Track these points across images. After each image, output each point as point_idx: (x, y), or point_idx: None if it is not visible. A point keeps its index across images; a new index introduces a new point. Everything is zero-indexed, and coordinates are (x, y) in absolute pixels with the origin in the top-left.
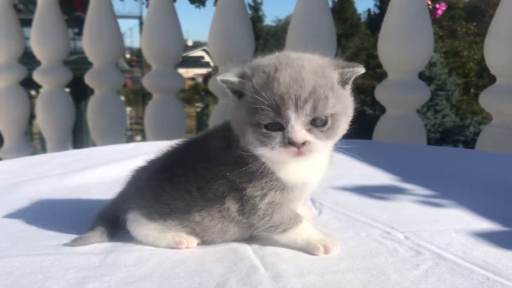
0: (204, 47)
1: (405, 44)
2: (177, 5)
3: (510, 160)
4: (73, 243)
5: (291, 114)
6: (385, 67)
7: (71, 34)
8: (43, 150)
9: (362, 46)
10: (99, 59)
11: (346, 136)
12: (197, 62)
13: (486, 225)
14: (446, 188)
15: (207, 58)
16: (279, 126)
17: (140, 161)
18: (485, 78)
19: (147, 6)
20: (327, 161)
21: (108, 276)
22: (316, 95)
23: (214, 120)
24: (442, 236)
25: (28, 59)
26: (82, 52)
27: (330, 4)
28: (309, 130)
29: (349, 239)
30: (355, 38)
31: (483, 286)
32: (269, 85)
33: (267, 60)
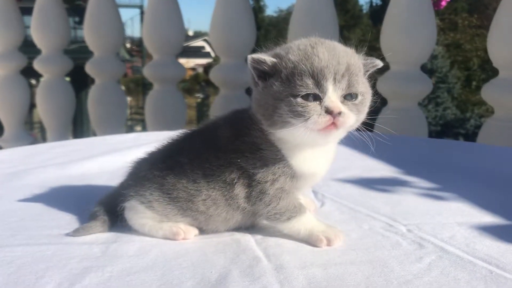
0: (205, 37)
1: (408, 36)
2: None
3: (511, 153)
4: (75, 233)
5: (330, 86)
6: (388, 59)
7: (72, 23)
8: (44, 139)
9: (364, 37)
10: (100, 48)
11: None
12: (198, 52)
13: (489, 218)
14: (448, 181)
15: (208, 49)
16: (315, 97)
17: (140, 151)
18: (487, 71)
19: None
20: (333, 154)
21: (110, 266)
22: (350, 71)
23: (215, 110)
24: (445, 229)
25: (28, 48)
26: (83, 41)
27: None
28: (342, 103)
29: (352, 231)
30: (357, 29)
31: (486, 280)
32: (309, 59)
33: (298, 42)
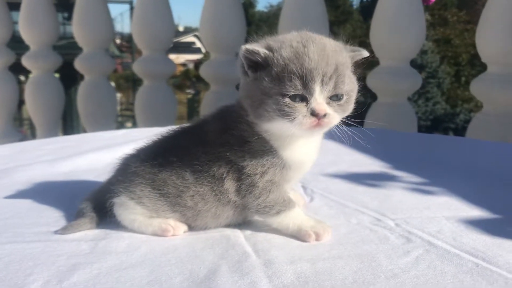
0: (196, 33)
1: (397, 31)
2: None
3: (500, 148)
4: (63, 231)
5: (317, 88)
6: (377, 55)
7: (61, 18)
8: (33, 136)
9: (354, 33)
10: (89, 44)
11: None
12: (188, 48)
13: (476, 212)
14: (437, 176)
15: (198, 44)
16: (301, 98)
17: (130, 148)
18: (476, 66)
19: None
20: (319, 145)
21: (98, 263)
22: (338, 72)
23: (206, 106)
24: (432, 223)
25: (16, 44)
26: (72, 37)
27: None
28: (328, 104)
29: (340, 226)
30: (347, 25)
31: (472, 273)
32: (299, 59)
33: (290, 36)
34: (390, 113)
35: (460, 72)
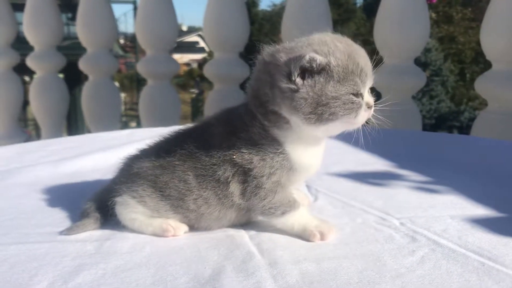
0: (199, 32)
1: (401, 29)
2: None
3: (505, 146)
4: (68, 232)
5: (368, 83)
6: (381, 53)
7: (65, 19)
8: (38, 136)
9: (357, 31)
10: (93, 44)
11: None
12: (192, 47)
13: (481, 211)
14: (441, 174)
15: (202, 44)
16: (357, 94)
17: (134, 148)
18: (481, 64)
19: None
20: (324, 147)
21: (103, 263)
22: (372, 69)
23: (209, 105)
24: (437, 223)
25: (21, 44)
26: (76, 38)
27: None
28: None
29: (345, 225)
30: (350, 23)
31: (478, 272)
32: (353, 58)
33: (323, 37)
34: (394, 112)
35: (464, 70)
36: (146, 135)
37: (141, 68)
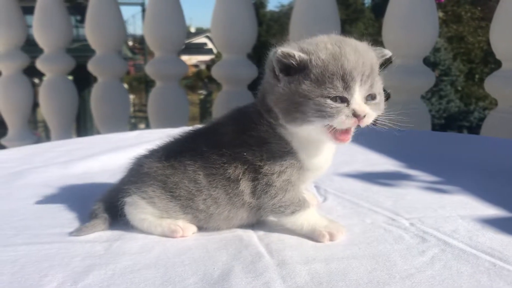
0: (207, 34)
1: (410, 29)
2: None
3: None
4: (78, 233)
5: (357, 88)
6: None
7: (74, 21)
8: (47, 138)
9: (366, 31)
10: (102, 46)
11: None
12: (200, 49)
13: (492, 211)
14: (451, 174)
15: (210, 45)
16: (342, 99)
17: (143, 149)
18: (490, 63)
19: None
20: (335, 148)
21: (113, 264)
22: (373, 72)
23: (218, 107)
24: (447, 223)
25: (30, 47)
26: (85, 40)
27: None
28: (365, 103)
29: (354, 226)
30: (359, 23)
31: (489, 273)
32: (338, 60)
33: (321, 39)
34: (403, 112)
35: (473, 69)
36: (154, 136)
37: (149, 69)
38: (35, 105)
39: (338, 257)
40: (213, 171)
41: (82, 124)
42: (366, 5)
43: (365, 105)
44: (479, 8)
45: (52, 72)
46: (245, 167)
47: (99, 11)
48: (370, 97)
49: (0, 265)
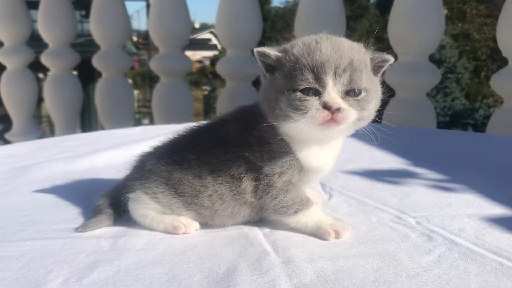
0: (212, 30)
1: (415, 26)
2: None
3: None
4: (83, 229)
5: (329, 81)
6: (395, 50)
7: (78, 16)
8: (52, 133)
9: (371, 28)
10: (106, 41)
11: None
12: (204, 44)
13: (499, 210)
14: (457, 173)
15: (214, 41)
16: (315, 92)
17: (147, 145)
18: (497, 61)
19: None
20: (339, 150)
21: (118, 260)
22: (353, 66)
23: (222, 103)
24: (454, 221)
25: (35, 42)
26: (90, 35)
27: None
28: (343, 99)
29: (360, 224)
30: (364, 20)
31: (496, 272)
32: (310, 54)
33: (305, 38)
34: (409, 109)
35: (479, 67)
36: (159, 132)
37: (154, 65)
38: (40, 100)
39: (344, 255)
40: (218, 167)
41: (87, 120)
42: (371, 1)
43: (339, 98)
44: (484, 5)
45: (57, 67)
46: (248, 166)
47: (103, 6)
48: (353, 93)
49: (6, 260)
